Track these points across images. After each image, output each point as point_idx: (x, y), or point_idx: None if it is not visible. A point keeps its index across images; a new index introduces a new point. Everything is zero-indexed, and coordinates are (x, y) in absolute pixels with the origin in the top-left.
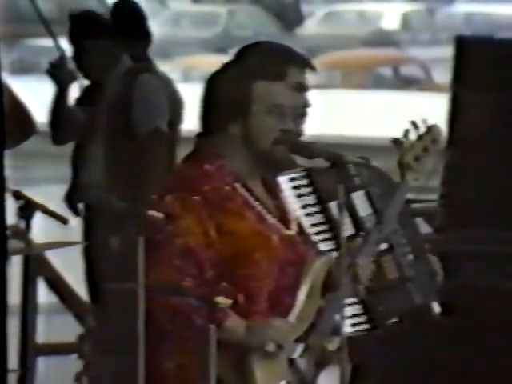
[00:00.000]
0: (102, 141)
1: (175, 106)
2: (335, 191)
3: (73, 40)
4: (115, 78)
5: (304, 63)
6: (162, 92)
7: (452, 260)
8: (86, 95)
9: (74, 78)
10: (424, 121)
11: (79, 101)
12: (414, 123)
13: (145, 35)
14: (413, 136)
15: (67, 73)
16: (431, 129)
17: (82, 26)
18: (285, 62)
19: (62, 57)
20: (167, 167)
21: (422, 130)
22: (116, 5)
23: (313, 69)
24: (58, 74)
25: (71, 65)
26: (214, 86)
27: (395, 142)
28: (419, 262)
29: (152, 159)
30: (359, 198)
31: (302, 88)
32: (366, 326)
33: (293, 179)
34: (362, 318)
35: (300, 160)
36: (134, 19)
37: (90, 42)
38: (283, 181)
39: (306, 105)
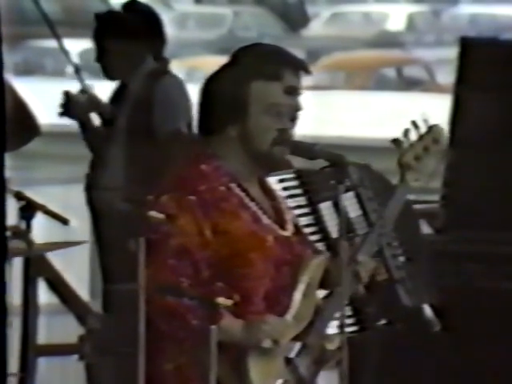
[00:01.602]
0: (122, 142)
1: (191, 107)
2: (326, 192)
3: (97, 41)
4: (138, 79)
5: (299, 66)
6: (183, 94)
7: (452, 260)
8: (115, 97)
9: (88, 108)
10: (425, 121)
11: (110, 102)
12: (414, 123)
13: (161, 35)
14: (413, 136)
15: (79, 107)
16: (432, 128)
17: (107, 26)
18: (281, 64)
19: (66, 93)
20: None
21: (423, 129)
22: (127, 6)
23: (308, 72)
24: (70, 111)
25: (84, 93)
26: (211, 87)
27: (395, 141)
28: (412, 265)
29: (172, 161)
30: (349, 200)
31: (295, 91)
32: (354, 328)
33: (282, 180)
34: (351, 320)
35: (299, 161)
36: (150, 19)
37: (115, 42)
38: (273, 181)
39: (297, 108)
